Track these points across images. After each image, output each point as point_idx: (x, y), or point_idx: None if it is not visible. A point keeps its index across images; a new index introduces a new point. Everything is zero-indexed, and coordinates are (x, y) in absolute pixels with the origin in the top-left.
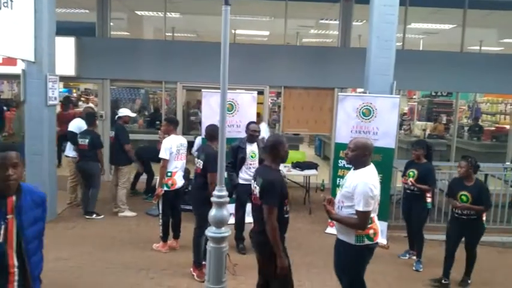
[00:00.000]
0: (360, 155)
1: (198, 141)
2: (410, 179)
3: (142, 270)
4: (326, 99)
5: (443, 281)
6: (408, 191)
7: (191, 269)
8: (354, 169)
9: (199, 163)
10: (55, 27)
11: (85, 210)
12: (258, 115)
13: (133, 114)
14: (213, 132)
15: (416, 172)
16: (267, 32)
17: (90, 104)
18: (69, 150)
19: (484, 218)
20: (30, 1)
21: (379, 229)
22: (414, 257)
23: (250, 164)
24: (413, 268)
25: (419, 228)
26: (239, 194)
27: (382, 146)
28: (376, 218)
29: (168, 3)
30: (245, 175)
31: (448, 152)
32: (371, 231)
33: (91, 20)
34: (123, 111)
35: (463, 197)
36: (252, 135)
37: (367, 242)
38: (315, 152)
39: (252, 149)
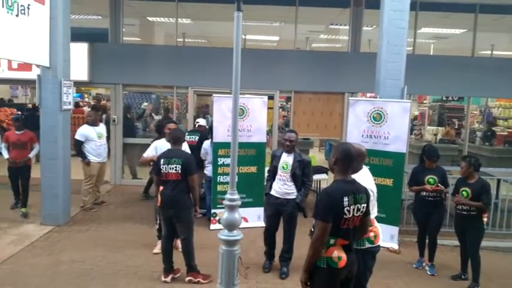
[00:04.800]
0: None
1: (206, 145)
2: (437, 186)
3: (155, 273)
4: (336, 104)
5: (462, 276)
6: (430, 198)
7: (191, 278)
8: None
9: (174, 168)
10: (69, 33)
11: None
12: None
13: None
14: (178, 136)
15: (436, 178)
16: (277, 37)
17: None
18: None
19: (485, 220)
20: (46, 8)
21: (380, 232)
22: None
23: (281, 176)
24: (428, 272)
25: (437, 233)
26: (266, 206)
27: (393, 151)
28: (375, 221)
29: (180, 9)
30: (276, 186)
31: (459, 157)
32: (371, 234)
33: (104, 26)
34: (202, 121)
35: (463, 192)
36: (283, 144)
37: (368, 245)
38: (325, 157)
39: (286, 159)
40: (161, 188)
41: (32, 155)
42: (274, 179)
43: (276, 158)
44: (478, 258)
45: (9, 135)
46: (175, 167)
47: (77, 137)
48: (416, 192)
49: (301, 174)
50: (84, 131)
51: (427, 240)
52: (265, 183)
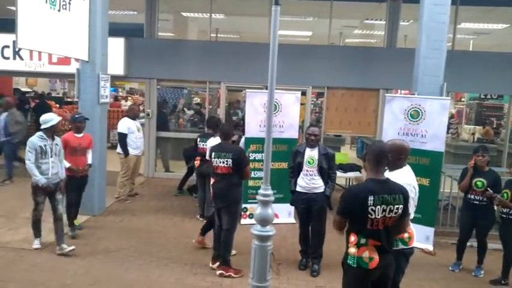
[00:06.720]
0: (394, 157)
1: (243, 141)
2: (486, 190)
3: (186, 265)
4: (370, 100)
5: (502, 282)
6: (476, 202)
7: (222, 272)
8: (389, 171)
9: (225, 162)
10: (107, 28)
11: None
12: None
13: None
14: (228, 132)
15: (485, 181)
16: (310, 32)
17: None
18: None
19: None
20: (86, 3)
21: (414, 234)
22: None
23: (307, 171)
24: (473, 274)
25: (484, 236)
26: (295, 203)
27: (430, 150)
28: (410, 222)
29: (213, 5)
30: (302, 182)
31: (498, 157)
32: (406, 235)
33: (140, 22)
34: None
35: (504, 194)
36: (307, 139)
37: (401, 246)
38: (356, 154)
39: (311, 154)
40: (212, 180)
41: (91, 160)
42: (298, 176)
43: (299, 154)
44: None
45: (69, 139)
46: (226, 161)
47: (121, 130)
48: (464, 193)
49: (327, 167)
50: (127, 124)
51: (468, 243)
52: (290, 180)
